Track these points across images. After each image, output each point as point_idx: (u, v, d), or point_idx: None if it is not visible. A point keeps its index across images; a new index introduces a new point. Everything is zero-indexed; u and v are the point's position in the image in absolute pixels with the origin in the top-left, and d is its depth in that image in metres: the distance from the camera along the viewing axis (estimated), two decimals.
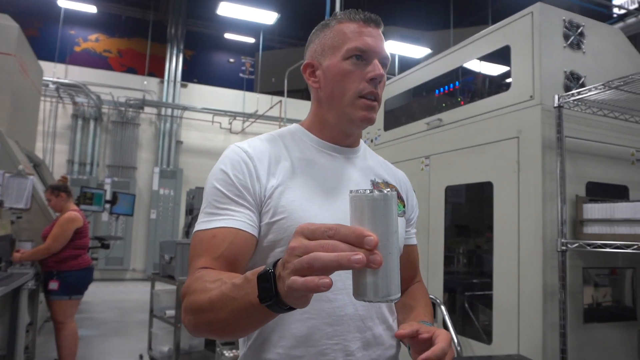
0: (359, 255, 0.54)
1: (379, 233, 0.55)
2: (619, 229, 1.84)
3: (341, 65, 0.96)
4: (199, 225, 0.90)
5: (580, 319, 1.97)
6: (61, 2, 9.07)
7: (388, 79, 3.20)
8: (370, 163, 1.08)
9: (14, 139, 4.52)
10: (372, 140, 3.29)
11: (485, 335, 2.22)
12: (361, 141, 1.13)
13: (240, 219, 0.88)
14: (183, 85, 10.46)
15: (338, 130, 1.02)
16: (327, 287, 0.55)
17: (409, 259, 1.11)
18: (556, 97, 1.91)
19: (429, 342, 0.82)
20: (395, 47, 7.97)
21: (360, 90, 0.95)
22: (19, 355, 3.17)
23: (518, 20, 2.08)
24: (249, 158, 0.93)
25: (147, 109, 10.11)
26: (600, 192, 2.06)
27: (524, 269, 1.97)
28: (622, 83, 1.79)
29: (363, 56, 0.95)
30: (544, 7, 2.01)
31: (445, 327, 2.28)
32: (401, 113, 3.05)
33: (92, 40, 10.68)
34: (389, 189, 0.60)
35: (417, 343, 0.83)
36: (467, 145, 2.33)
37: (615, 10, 6.30)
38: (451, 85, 2.57)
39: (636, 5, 5.92)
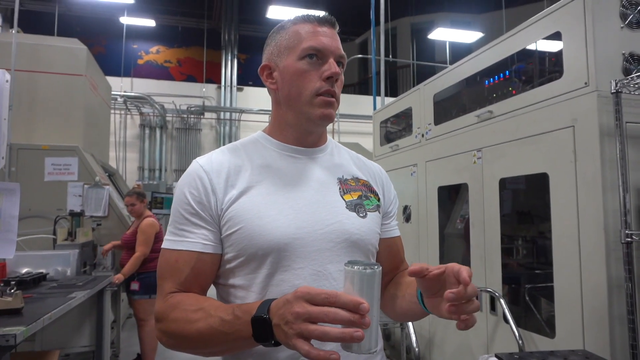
0: (359, 332, 0.64)
1: (367, 300, 0.67)
2: None
3: (297, 65, 0.95)
4: (165, 243, 0.93)
5: None
6: (123, 19, 9.70)
7: (441, 68, 3.16)
8: (338, 161, 1.06)
9: (90, 152, 4.93)
10: (422, 135, 3.27)
11: (548, 328, 2.17)
12: (329, 138, 1.10)
13: (198, 241, 0.90)
14: (239, 89, 10.83)
15: (299, 131, 1.00)
16: None
17: (390, 251, 1.09)
18: (613, 82, 1.82)
19: (442, 279, 0.78)
20: (445, 34, 7.77)
21: (317, 89, 0.94)
22: (106, 350, 3.49)
23: (568, 4, 2.00)
24: (204, 172, 0.93)
25: (207, 115, 10.60)
26: None
27: (585, 261, 1.91)
28: None
29: (318, 55, 0.95)
30: None
31: (506, 320, 2.25)
32: (451, 106, 3.01)
33: (154, 52, 11.33)
34: (377, 266, 0.70)
35: (429, 283, 0.80)
36: (520, 137, 2.27)
37: None
38: (501, 75, 2.50)
39: None
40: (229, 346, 0.81)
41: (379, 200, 1.06)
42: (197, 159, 0.98)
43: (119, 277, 3.63)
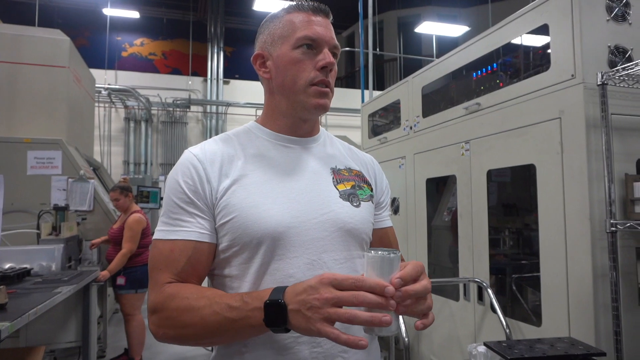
0: (387, 317, 0.66)
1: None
2: None
3: (291, 54, 0.95)
4: (157, 234, 0.91)
5: (635, 300, 1.92)
6: (106, 10, 9.52)
7: (427, 62, 3.17)
8: (331, 151, 1.06)
9: (74, 145, 4.85)
10: (411, 128, 3.28)
11: (534, 317, 2.20)
12: (322, 129, 1.10)
13: (194, 230, 0.88)
14: (225, 82, 10.74)
15: (292, 119, 1.00)
16: (365, 347, 0.67)
17: (382, 242, 1.10)
18: (599, 74, 1.85)
19: None
20: (432, 28, 7.79)
21: (312, 78, 0.94)
22: (92, 346, 3.45)
23: None
24: (198, 161, 0.92)
25: (193, 108, 10.49)
26: None
27: (571, 250, 1.94)
28: None
29: (313, 45, 0.95)
30: None
31: (493, 310, 2.28)
32: (439, 98, 3.03)
33: (138, 45, 11.14)
34: (397, 251, 0.71)
35: None
36: (507, 129, 2.29)
37: None
38: (489, 68, 2.52)
39: None
40: (235, 334, 0.80)
41: (371, 190, 1.07)
42: (190, 148, 0.97)
43: (104, 274, 3.58)
